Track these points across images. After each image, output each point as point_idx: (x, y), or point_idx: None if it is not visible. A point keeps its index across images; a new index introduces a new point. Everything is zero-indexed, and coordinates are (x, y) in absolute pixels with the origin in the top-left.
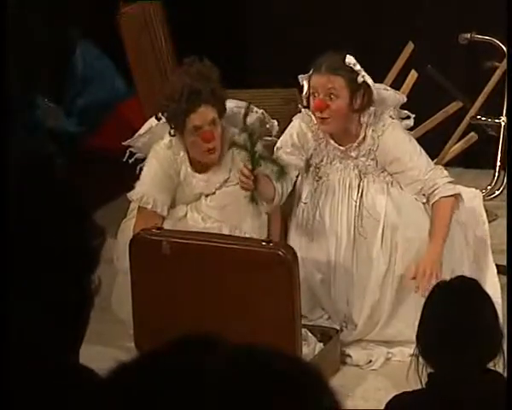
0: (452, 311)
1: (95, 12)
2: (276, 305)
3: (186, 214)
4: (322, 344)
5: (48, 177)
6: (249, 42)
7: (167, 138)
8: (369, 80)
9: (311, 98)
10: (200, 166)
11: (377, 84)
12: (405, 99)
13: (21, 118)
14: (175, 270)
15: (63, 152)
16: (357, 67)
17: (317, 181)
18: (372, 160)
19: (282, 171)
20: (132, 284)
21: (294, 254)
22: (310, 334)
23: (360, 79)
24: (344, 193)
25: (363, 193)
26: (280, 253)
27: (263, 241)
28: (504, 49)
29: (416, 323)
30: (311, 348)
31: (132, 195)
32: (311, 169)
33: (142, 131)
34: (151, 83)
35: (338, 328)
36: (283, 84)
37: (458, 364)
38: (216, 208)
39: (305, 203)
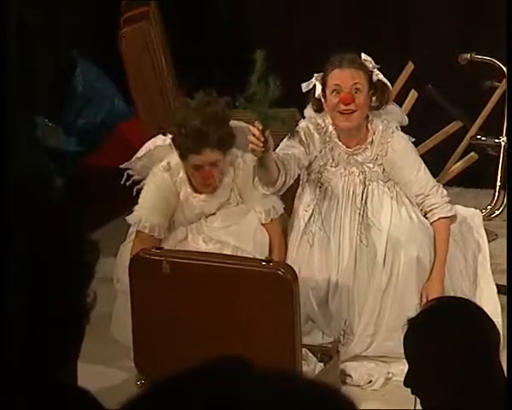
0: (424, 338)
1: (95, 32)
2: (276, 324)
3: (187, 237)
4: (322, 364)
5: (45, 196)
6: (250, 59)
7: (165, 161)
8: (384, 79)
9: (332, 95)
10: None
11: None
12: (407, 121)
13: (21, 137)
14: (175, 290)
15: (63, 171)
16: (373, 64)
17: (320, 187)
18: (379, 166)
19: (292, 128)
20: (132, 304)
21: (294, 273)
22: (310, 354)
23: (375, 78)
24: (347, 200)
25: (367, 200)
26: (280, 272)
27: (263, 260)
28: (504, 69)
29: None
30: (310, 367)
31: (130, 218)
32: (314, 175)
33: (140, 153)
34: (151, 103)
35: (333, 339)
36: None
37: (434, 390)
38: (217, 229)
39: (306, 211)
